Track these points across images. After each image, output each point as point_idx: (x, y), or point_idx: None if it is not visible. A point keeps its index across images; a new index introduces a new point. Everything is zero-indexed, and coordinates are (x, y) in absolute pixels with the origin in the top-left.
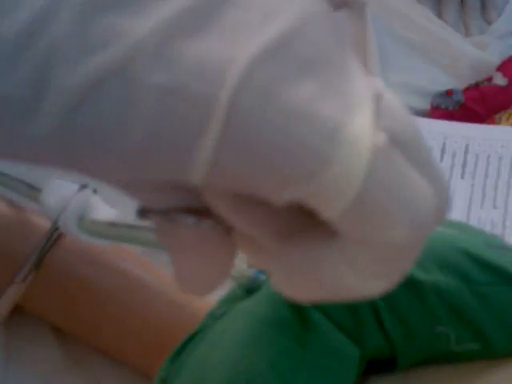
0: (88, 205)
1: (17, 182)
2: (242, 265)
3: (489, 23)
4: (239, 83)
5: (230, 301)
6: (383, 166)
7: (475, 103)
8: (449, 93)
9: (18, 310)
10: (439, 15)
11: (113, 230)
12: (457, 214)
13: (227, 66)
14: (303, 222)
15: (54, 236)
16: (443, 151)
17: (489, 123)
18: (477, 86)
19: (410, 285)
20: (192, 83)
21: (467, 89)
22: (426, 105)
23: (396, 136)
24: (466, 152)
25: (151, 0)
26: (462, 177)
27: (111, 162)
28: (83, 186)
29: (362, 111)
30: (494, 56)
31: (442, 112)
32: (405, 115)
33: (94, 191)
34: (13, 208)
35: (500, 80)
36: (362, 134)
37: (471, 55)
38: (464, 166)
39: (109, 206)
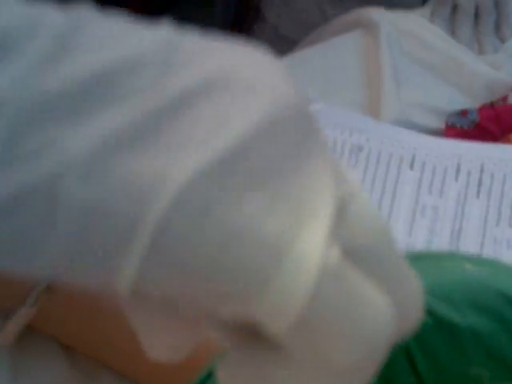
0: None
1: None
2: None
3: (502, 41)
4: (171, 203)
5: None
6: (332, 284)
7: (490, 123)
8: (464, 112)
9: (26, 328)
10: (452, 33)
11: None
12: (472, 233)
13: (159, 184)
14: (251, 331)
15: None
16: (458, 171)
17: (503, 143)
18: (492, 105)
19: (443, 327)
20: (116, 202)
21: (482, 108)
22: (440, 124)
23: (354, 247)
24: (482, 171)
25: (92, 111)
26: (478, 196)
27: (32, 270)
28: None
29: (315, 224)
30: (508, 75)
31: (456, 131)
32: (373, 221)
33: None
34: None
35: None
36: (310, 251)
37: (486, 75)
38: (479, 185)
39: None
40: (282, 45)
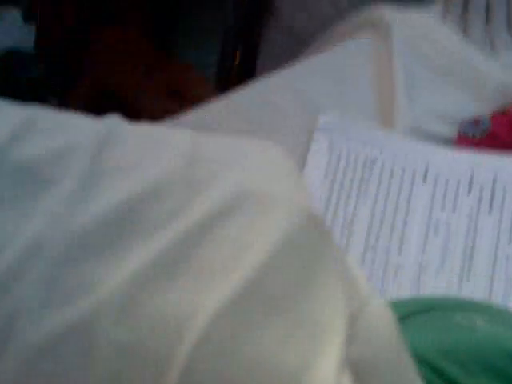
0: None
1: None
2: None
3: None
4: (199, 339)
5: None
6: None
7: (503, 131)
8: (476, 121)
9: None
10: (464, 31)
11: None
12: (485, 251)
13: (187, 321)
14: None
15: None
16: (471, 184)
17: None
18: (505, 111)
19: None
20: (149, 340)
21: (495, 115)
22: (453, 132)
23: (363, 364)
24: (494, 185)
25: (122, 245)
26: (490, 212)
27: None
28: None
29: (328, 351)
30: None
31: (469, 141)
32: (383, 334)
33: None
34: None
35: None
36: (324, 380)
37: (498, 78)
38: (492, 199)
39: None
40: (297, 44)
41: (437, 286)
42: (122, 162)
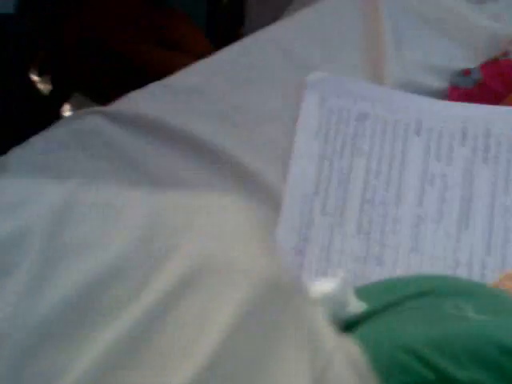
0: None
1: None
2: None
3: None
4: None
5: None
6: None
7: (494, 80)
8: (466, 72)
9: None
10: None
11: None
12: (481, 201)
13: None
14: None
15: None
16: (464, 135)
17: (508, 103)
18: (495, 60)
19: (446, 382)
20: None
21: (485, 65)
22: (444, 83)
23: None
24: (488, 136)
25: (81, 331)
26: (485, 162)
27: None
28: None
29: None
30: (509, 26)
31: (460, 92)
32: None
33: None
34: None
35: None
36: None
37: (487, 27)
38: (486, 150)
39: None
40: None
41: (435, 236)
42: (79, 241)
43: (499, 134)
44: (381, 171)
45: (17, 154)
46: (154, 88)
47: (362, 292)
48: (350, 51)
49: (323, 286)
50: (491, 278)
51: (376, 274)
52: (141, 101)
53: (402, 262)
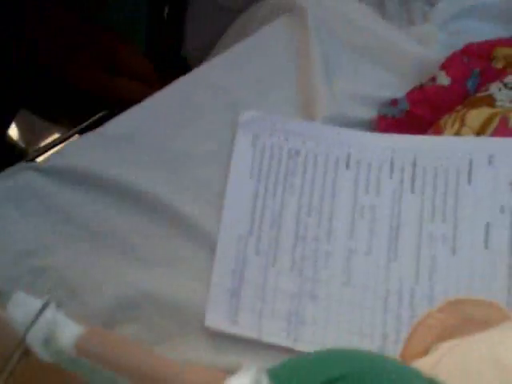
0: (54, 323)
1: None
2: None
3: (432, 5)
4: None
5: None
6: None
7: (420, 107)
8: (394, 103)
9: None
10: (381, 4)
11: (76, 364)
12: (408, 230)
13: None
14: None
15: (23, 348)
16: (392, 166)
17: (435, 130)
18: (421, 87)
19: None
20: None
21: (410, 92)
22: (374, 113)
23: None
24: (414, 166)
25: None
26: (412, 191)
27: None
28: (46, 304)
29: None
30: (438, 50)
31: (389, 121)
32: None
33: (58, 306)
34: None
35: (443, 79)
36: None
37: (415, 53)
38: (413, 180)
39: (73, 322)
40: (222, 15)
41: (366, 268)
42: None
43: (425, 163)
44: (312, 207)
45: None
46: (87, 138)
47: (279, 373)
48: (282, 87)
49: (238, 382)
50: (420, 306)
51: (310, 310)
52: (73, 152)
53: (335, 295)
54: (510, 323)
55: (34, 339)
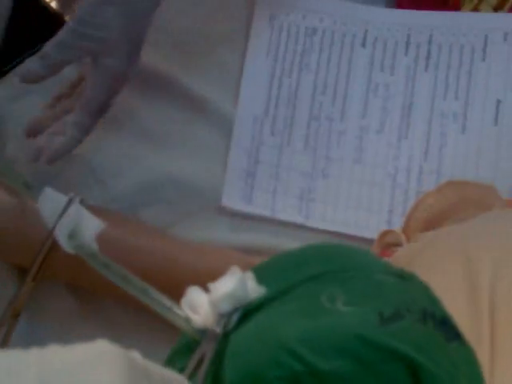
0: (78, 218)
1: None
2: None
3: None
4: None
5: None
6: None
7: None
8: None
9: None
10: None
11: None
12: (421, 109)
13: None
14: None
15: (50, 242)
16: (408, 43)
17: (453, 4)
18: None
19: (314, 373)
20: None
21: None
22: None
23: None
24: (430, 43)
25: None
26: (426, 70)
27: None
28: (72, 199)
29: None
30: None
31: None
32: None
33: (81, 201)
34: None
35: None
36: None
37: None
38: (428, 58)
39: (95, 217)
40: None
41: (377, 146)
42: None
43: (441, 40)
44: (327, 86)
45: None
46: None
47: (266, 272)
48: None
49: (224, 286)
50: (427, 182)
51: (321, 188)
52: None
53: (346, 173)
54: (487, 213)
55: (60, 233)
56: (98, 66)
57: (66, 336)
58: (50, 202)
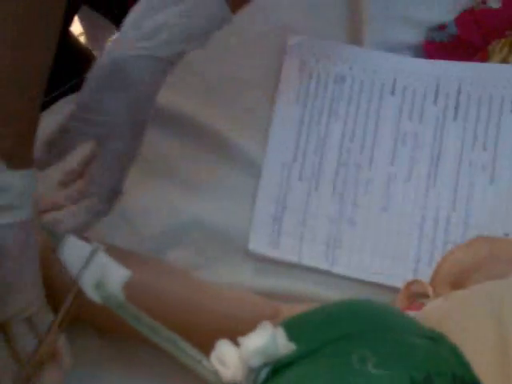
0: (104, 267)
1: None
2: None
3: None
4: None
5: None
6: None
7: (468, 31)
8: (442, 27)
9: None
10: None
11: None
12: (449, 158)
13: None
14: None
15: (76, 290)
16: (437, 93)
17: (482, 56)
18: (471, 10)
19: None
20: None
21: (461, 15)
22: (421, 38)
23: None
24: (459, 93)
25: None
26: (455, 119)
27: None
28: (96, 248)
29: None
30: None
31: (436, 45)
32: None
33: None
34: None
35: (494, 2)
36: None
37: None
38: (457, 107)
39: (121, 266)
40: None
41: (405, 194)
42: None
43: (470, 90)
44: (356, 133)
45: None
46: None
47: (296, 328)
48: (332, 10)
49: (255, 341)
50: (455, 233)
51: (348, 235)
52: None
53: (373, 221)
54: None
55: (86, 283)
56: (103, 149)
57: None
58: (73, 250)
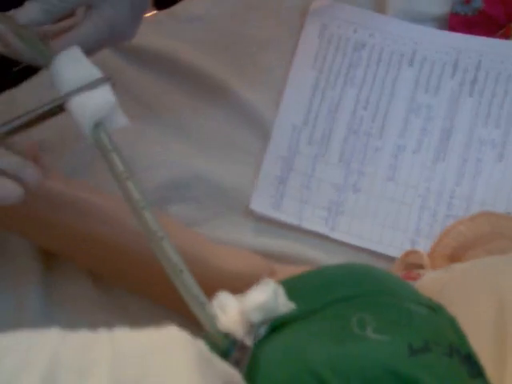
0: (110, 109)
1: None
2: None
3: None
4: None
5: None
6: None
7: (494, 8)
8: (467, 0)
9: (55, 257)
10: None
11: None
12: (460, 133)
13: None
14: None
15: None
16: (455, 66)
17: (505, 32)
18: None
19: None
20: None
21: None
22: (446, 10)
23: None
24: (478, 69)
25: None
26: (470, 95)
27: None
28: (107, 78)
29: None
30: None
31: (460, 18)
32: None
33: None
34: None
35: None
36: None
37: None
38: (474, 83)
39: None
40: None
41: (412, 166)
42: None
43: (489, 66)
44: (370, 101)
45: None
46: (159, 17)
47: (296, 288)
48: None
49: (257, 296)
50: (457, 207)
51: (351, 201)
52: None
53: (377, 189)
54: None
55: (86, 115)
56: (95, 14)
57: (82, 320)
58: (75, 66)
